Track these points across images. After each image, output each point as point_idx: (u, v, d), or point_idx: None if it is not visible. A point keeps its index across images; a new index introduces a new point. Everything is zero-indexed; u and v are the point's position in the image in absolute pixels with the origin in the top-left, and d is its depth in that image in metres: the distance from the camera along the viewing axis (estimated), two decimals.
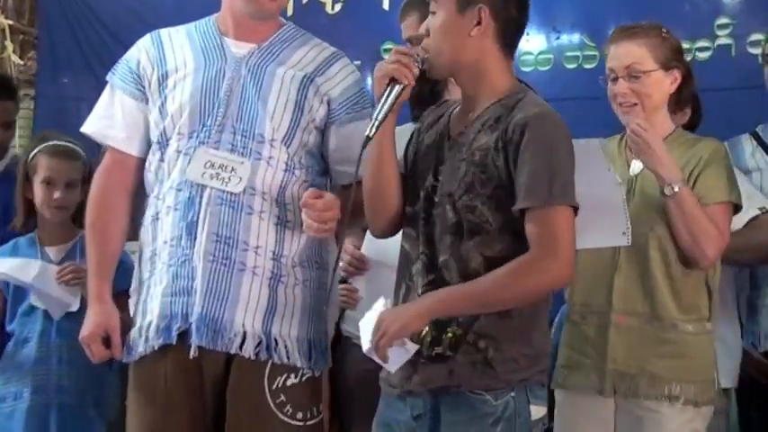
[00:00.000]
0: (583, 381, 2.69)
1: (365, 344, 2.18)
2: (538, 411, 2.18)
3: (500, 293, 2.10)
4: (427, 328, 2.13)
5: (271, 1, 2.46)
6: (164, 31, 2.58)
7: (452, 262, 2.15)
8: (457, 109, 2.30)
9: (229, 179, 2.38)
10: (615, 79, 2.74)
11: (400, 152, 2.34)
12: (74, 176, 3.13)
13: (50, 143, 3.18)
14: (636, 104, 2.72)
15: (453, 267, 2.15)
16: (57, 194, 3.10)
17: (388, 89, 2.19)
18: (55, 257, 3.15)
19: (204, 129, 2.43)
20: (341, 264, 2.76)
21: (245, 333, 2.38)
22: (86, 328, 2.51)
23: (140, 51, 2.56)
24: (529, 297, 2.13)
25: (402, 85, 2.18)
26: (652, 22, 2.83)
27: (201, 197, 2.39)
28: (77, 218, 3.05)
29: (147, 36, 2.59)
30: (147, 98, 2.53)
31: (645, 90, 2.69)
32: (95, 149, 2.99)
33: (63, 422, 3.05)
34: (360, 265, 2.89)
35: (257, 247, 2.39)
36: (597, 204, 2.33)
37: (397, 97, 2.19)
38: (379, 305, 2.21)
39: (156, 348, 2.41)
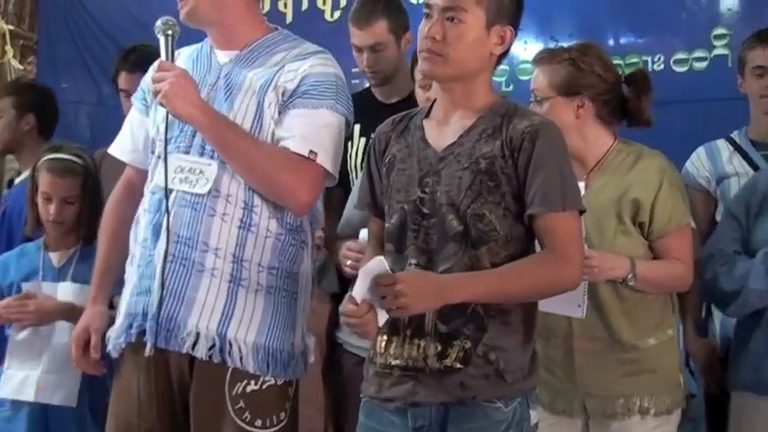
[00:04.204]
0: (553, 400, 2.67)
1: (360, 292, 2.06)
2: (533, 417, 2.22)
3: (519, 282, 2.10)
4: (429, 341, 2.12)
5: (182, 5, 2.48)
6: (182, 49, 2.60)
7: (456, 270, 2.13)
8: (426, 119, 2.28)
9: (197, 181, 2.41)
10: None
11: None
12: (70, 193, 3.19)
13: (51, 157, 3.23)
14: None
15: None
16: (52, 210, 3.18)
17: None
18: (57, 263, 3.23)
19: (181, 134, 2.47)
20: (348, 262, 2.75)
21: (198, 334, 2.38)
22: (75, 330, 2.64)
23: (151, 68, 2.59)
24: (543, 291, 2.16)
25: None
26: (575, 45, 2.77)
27: (168, 199, 2.42)
28: (79, 227, 3.21)
29: None
30: (149, 112, 2.60)
31: (548, 116, 2.46)
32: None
33: (61, 423, 3.11)
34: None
35: (217, 249, 2.40)
36: None
37: None
38: (378, 264, 2.06)
39: (122, 347, 2.46)
